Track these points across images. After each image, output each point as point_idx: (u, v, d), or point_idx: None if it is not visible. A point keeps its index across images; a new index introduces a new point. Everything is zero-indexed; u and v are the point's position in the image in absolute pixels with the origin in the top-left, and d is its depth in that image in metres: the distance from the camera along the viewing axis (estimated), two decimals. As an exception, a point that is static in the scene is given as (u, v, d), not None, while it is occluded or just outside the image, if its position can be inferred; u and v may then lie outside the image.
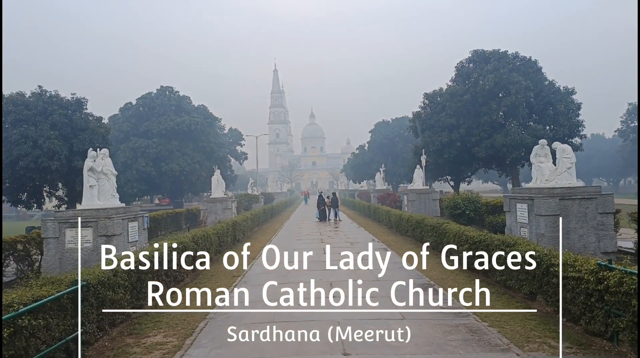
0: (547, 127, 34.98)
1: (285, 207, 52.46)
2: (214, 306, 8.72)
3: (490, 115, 34.09)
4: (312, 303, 8.66)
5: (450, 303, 8.73)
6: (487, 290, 8.50)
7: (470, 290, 9.15)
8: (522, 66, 35.40)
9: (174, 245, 10.82)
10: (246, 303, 8.88)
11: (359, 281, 10.48)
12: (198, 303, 8.88)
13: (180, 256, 11.11)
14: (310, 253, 15.53)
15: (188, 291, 10.14)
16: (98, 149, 13.67)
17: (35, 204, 30.33)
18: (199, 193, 59.66)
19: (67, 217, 12.33)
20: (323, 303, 8.65)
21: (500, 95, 34.91)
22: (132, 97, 53.56)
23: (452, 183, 44.00)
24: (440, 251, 14.47)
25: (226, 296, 9.52)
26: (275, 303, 8.59)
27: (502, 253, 9.42)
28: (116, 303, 7.36)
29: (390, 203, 35.81)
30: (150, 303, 8.82)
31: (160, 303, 8.99)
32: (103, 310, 6.94)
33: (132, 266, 8.24)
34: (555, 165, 14.04)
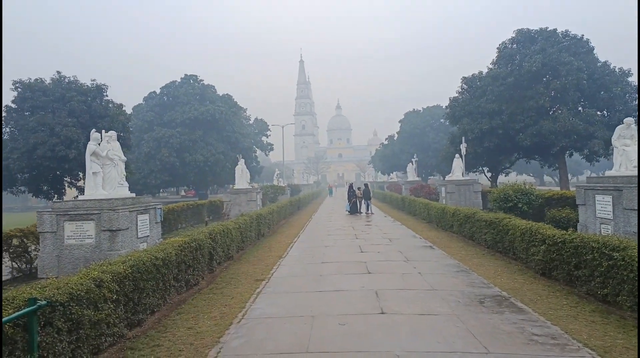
0: (599, 113, 31.76)
1: (312, 199, 50.58)
2: (230, 324, 6.78)
3: (537, 99, 31.16)
4: (356, 327, 6.60)
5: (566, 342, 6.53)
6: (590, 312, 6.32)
7: (568, 311, 7.04)
8: (572, 46, 32.25)
9: (187, 242, 9.00)
10: (270, 321, 6.91)
11: (412, 292, 8.40)
12: (210, 322, 6.96)
13: (194, 256, 9.40)
14: (344, 251, 13.63)
15: (200, 301, 8.26)
16: (103, 131, 11.90)
17: (56, 195, 29.28)
18: (223, 184, 58.40)
19: (66, 209, 10.65)
20: (370, 327, 6.58)
21: (547, 77, 31.95)
22: (156, 86, 52.45)
23: (489, 174, 41.18)
24: (500, 252, 12.31)
25: (247, 310, 7.57)
26: (308, 324, 6.60)
27: (606, 259, 7.24)
28: (99, 324, 5.50)
29: (425, 195, 33.46)
30: (150, 318, 7.00)
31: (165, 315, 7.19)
32: (79, 335, 5.09)
33: (128, 270, 6.38)
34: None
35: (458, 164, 28.95)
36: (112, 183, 11.46)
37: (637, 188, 10.29)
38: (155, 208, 12.36)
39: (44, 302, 4.38)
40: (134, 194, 12.28)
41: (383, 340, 5.88)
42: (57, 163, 25.87)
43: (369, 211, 28.58)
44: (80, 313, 5.05)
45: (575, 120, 29.95)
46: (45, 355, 4.49)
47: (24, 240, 11.13)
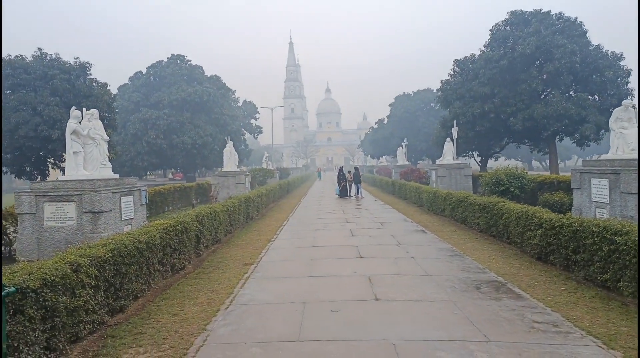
0: (591, 97, 31.61)
1: (301, 182, 50.25)
2: (217, 311, 6.46)
3: (530, 83, 30.95)
4: (349, 314, 6.33)
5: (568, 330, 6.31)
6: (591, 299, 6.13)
7: (568, 297, 6.82)
8: (565, 29, 31.91)
9: (172, 225, 8.62)
10: (260, 308, 6.61)
11: (406, 278, 8.15)
12: (196, 308, 6.62)
13: (180, 239, 9.03)
14: (335, 235, 13.35)
15: (186, 286, 7.92)
16: (84, 109, 11.35)
17: (39, 176, 28.55)
18: (212, 167, 57.68)
19: (46, 189, 10.17)
20: (365, 314, 6.31)
21: (540, 61, 31.69)
22: (142, 67, 51.23)
23: (478, 159, 41.11)
24: (494, 236, 12.11)
25: (235, 295, 7.25)
26: (299, 311, 6.32)
27: (607, 243, 7.02)
28: (77, 311, 5.14)
29: (415, 179, 33.28)
30: (133, 304, 6.66)
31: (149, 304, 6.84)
32: (55, 323, 4.73)
33: (108, 254, 6.00)
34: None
35: (449, 148, 28.75)
36: (94, 163, 10.97)
37: (635, 171, 10.10)
38: (140, 189, 11.91)
39: (12, 288, 3.99)
40: (117, 176, 11.80)
41: (378, 328, 5.61)
42: (40, 143, 25.11)
43: (359, 195, 28.37)
44: (55, 300, 4.67)
45: (568, 104, 29.81)
46: (17, 344, 4.13)
47: (2, 221, 10.63)
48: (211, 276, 8.66)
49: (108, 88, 29.23)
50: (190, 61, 50.56)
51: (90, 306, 5.44)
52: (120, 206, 10.77)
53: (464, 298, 6.79)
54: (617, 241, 6.79)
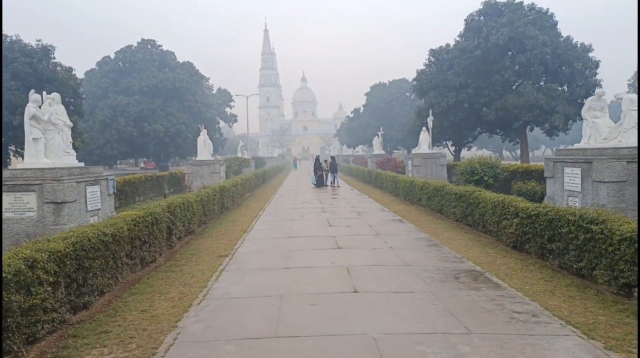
0: (560, 88, 32.18)
1: (277, 172, 49.80)
2: (189, 306, 6.16)
3: (502, 73, 31.30)
4: (328, 307, 6.13)
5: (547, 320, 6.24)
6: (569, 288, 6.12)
7: (544, 286, 6.78)
8: (537, 20, 32.26)
9: (142, 216, 8.22)
10: (234, 302, 6.33)
11: (385, 269, 8.01)
12: (167, 304, 6.29)
13: (151, 231, 8.64)
14: (312, 225, 13.14)
15: (157, 280, 7.56)
16: (45, 93, 10.72)
17: None
18: (186, 156, 56.61)
19: (4, 178, 9.57)
20: (344, 307, 6.13)
21: (512, 52, 32.01)
22: (111, 51, 49.45)
23: (452, 148, 41.53)
24: (470, 225, 12.12)
25: (208, 289, 6.95)
26: (276, 305, 6.09)
27: (583, 232, 7.02)
28: (34, 310, 4.76)
29: (392, 168, 33.34)
30: (98, 301, 6.29)
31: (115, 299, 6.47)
32: (7, 324, 4.35)
33: (69, 248, 5.61)
34: (613, 121, 11.56)
35: (425, 137, 28.83)
36: (56, 151, 10.38)
37: (607, 160, 10.20)
38: (107, 178, 11.38)
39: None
40: (82, 164, 11.24)
41: (358, 322, 5.43)
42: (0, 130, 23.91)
43: (336, 184, 28.22)
44: (6, 298, 4.29)
45: (539, 95, 30.27)
46: (-39, 351, 3.76)
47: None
48: (184, 269, 8.32)
49: (73, 72, 28.04)
50: (161, 46, 49.17)
51: (48, 305, 5.06)
52: (86, 196, 10.26)
53: (443, 289, 6.68)
54: (593, 230, 6.79)
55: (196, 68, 52.63)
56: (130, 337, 5.12)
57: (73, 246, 5.70)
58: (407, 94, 63.23)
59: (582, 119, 34.15)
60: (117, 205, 17.96)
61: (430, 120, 29.93)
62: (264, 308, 6.02)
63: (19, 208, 9.42)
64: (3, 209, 9.38)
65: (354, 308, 5.94)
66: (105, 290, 6.71)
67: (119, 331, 5.31)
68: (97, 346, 4.90)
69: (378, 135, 46.59)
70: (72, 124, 11.30)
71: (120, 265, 7.18)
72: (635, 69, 58.18)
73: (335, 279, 7.35)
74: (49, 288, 5.10)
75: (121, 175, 21.18)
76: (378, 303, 6.11)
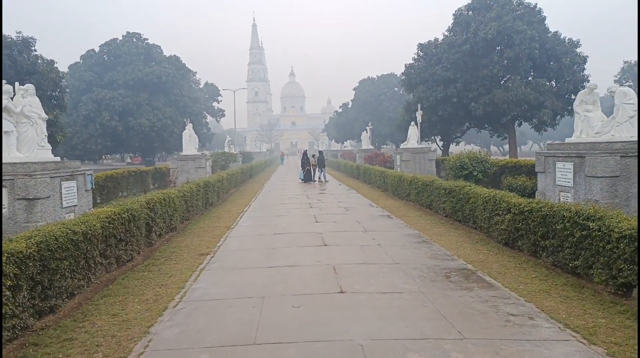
0: (548, 83, 32.12)
1: (264, 167, 49.32)
2: (164, 309, 5.76)
3: (491, 68, 31.11)
4: (312, 309, 5.79)
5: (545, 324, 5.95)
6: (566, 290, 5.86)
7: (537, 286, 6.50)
8: (525, 14, 32.08)
9: (118, 213, 7.79)
10: (213, 304, 5.95)
11: (373, 267, 7.68)
12: (140, 307, 5.89)
13: (127, 228, 8.21)
14: (299, 221, 12.78)
15: (132, 280, 7.14)
16: (17, 84, 10.17)
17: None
18: (172, 151, 55.74)
19: (-30, 174, 9.03)
20: (329, 309, 5.78)
21: (501, 47, 31.83)
22: (96, 45, 48.35)
23: (440, 143, 41.39)
24: (460, 221, 11.86)
25: (186, 290, 6.56)
26: (257, 307, 5.73)
27: (579, 229, 6.75)
28: (-10, 317, 4.34)
29: (380, 163, 33.10)
30: (66, 304, 5.87)
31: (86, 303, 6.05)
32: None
33: (32, 249, 5.18)
34: (605, 115, 11.36)
35: (414, 132, 28.62)
36: (29, 145, 9.86)
37: (600, 155, 9.98)
38: (84, 173, 10.88)
39: None
40: (58, 158, 10.72)
41: (344, 326, 5.09)
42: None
43: (324, 179, 27.87)
44: (-46, 307, 3.87)
45: (527, 89, 30.14)
46: None
47: None
48: (162, 268, 7.90)
49: (55, 65, 27.20)
50: (147, 39, 48.17)
51: (8, 310, 4.63)
52: (61, 192, 9.76)
53: (434, 289, 6.37)
54: (590, 227, 6.53)
55: (183, 62, 51.71)
56: (97, 345, 4.72)
57: (37, 246, 5.26)
58: (396, 89, 62.97)
59: (570, 115, 34.09)
60: (98, 201, 17.44)
61: (419, 114, 29.74)
62: (244, 310, 5.65)
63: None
64: (-30, 206, 8.86)
65: (340, 310, 5.60)
66: (75, 292, 6.29)
67: (85, 338, 4.90)
68: (60, 356, 4.49)
69: (366, 130, 46.35)
70: (47, 116, 10.76)
71: (92, 265, 6.75)
72: (622, 65, 58.85)
73: (321, 278, 7.00)
74: (8, 293, 4.67)
75: (106, 170, 20.59)
76: (366, 304, 5.78)
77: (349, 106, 72.21)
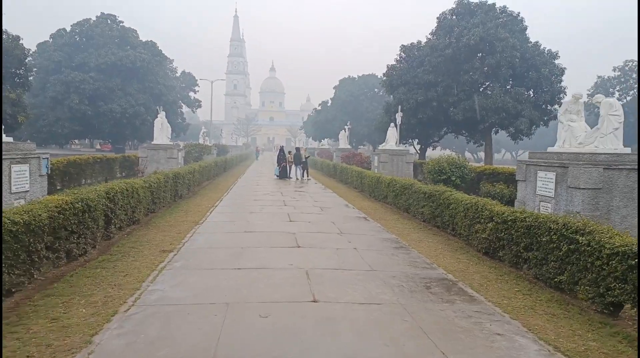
0: (526, 93, 32.35)
1: (240, 161, 48.34)
2: (114, 314, 5.09)
3: (472, 74, 31.20)
4: (281, 320, 5.22)
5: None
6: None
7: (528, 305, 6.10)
8: (508, 23, 32.29)
9: (70, 202, 7.03)
10: (170, 310, 5.31)
11: (349, 274, 7.16)
12: (86, 310, 5.20)
13: (81, 219, 7.46)
14: (271, 220, 12.19)
15: (81, 278, 6.41)
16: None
17: None
18: (145, 140, 54.09)
19: None
20: (300, 321, 5.23)
21: (482, 54, 31.88)
22: (66, 24, 46.37)
23: (417, 147, 41.35)
24: (439, 227, 11.49)
25: (142, 292, 5.89)
26: (220, 315, 5.13)
27: (567, 242, 6.40)
28: None
29: (357, 163, 32.71)
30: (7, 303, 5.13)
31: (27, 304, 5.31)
32: None
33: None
34: (589, 126, 11.17)
35: (392, 133, 28.31)
36: (-23, 123, 8.95)
37: (584, 166, 9.75)
38: (39, 157, 10.01)
39: None
40: (10, 139, 9.82)
41: (316, 342, 4.55)
42: None
43: (303, 178, 27.02)
44: None
45: (506, 98, 30.29)
46: None
47: None
48: (117, 265, 7.19)
49: (21, 42, 25.71)
50: (122, 22, 46.55)
51: None
52: (10, 176, 8.90)
53: (414, 301, 5.90)
54: (579, 241, 6.18)
55: (159, 48, 50.18)
56: (27, 356, 4.04)
57: (-36, 238, 4.53)
58: (376, 89, 62.90)
59: (545, 125, 34.27)
60: (59, 188, 16.39)
61: (398, 116, 29.48)
62: (205, 319, 5.05)
63: None
64: None
65: (312, 322, 5.06)
66: (13, 290, 5.56)
67: (16, 347, 4.21)
68: (-19, 369, 3.80)
69: (345, 129, 45.92)
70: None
71: (36, 260, 6.01)
72: (595, 80, 60.25)
73: (293, 284, 6.44)
74: None
75: (72, 156, 19.45)
76: (340, 317, 5.25)
77: (328, 104, 71.82)
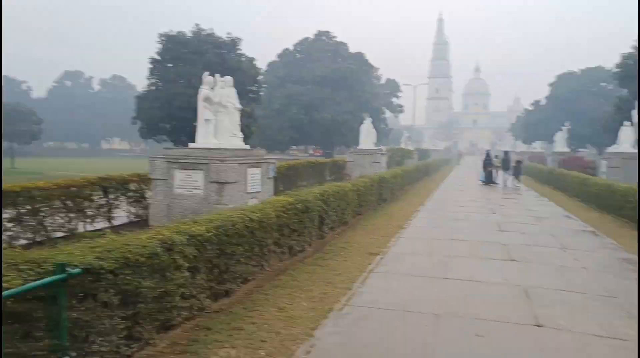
0: None
1: (441, 166, 47.32)
2: (329, 311, 5.37)
3: None
4: (501, 343, 4.73)
5: None
6: None
7: None
8: None
9: (292, 203, 7.80)
10: (380, 315, 5.34)
11: (579, 297, 6.12)
12: (306, 304, 5.62)
13: (300, 219, 8.21)
14: (479, 228, 11.42)
15: (301, 273, 7.01)
16: (217, 75, 11.16)
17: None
18: (351, 145, 57.64)
19: (177, 156, 10.21)
20: (523, 346, 4.64)
21: None
22: (289, 43, 52.79)
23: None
24: None
25: (353, 293, 6.10)
26: (430, 327, 4.91)
27: None
28: (170, 295, 4.49)
29: (579, 169, 28.48)
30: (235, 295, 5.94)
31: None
32: (137, 310, 4.10)
33: (211, 232, 5.31)
34: None
35: (626, 133, 23.69)
36: (224, 132, 10.74)
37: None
38: (268, 162, 11.46)
39: (76, 270, 3.36)
40: (247, 146, 11.50)
41: (543, 375, 3.96)
42: (193, 114, 26.94)
43: (511, 185, 24.65)
44: (137, 283, 4.02)
45: None
46: (85, 335, 3.53)
47: (142, 185, 11.04)
48: (330, 264, 7.67)
49: (254, 62, 30.25)
50: (335, 37, 50.62)
51: (186, 291, 4.78)
52: (246, 178, 10.39)
53: (675, 345, 4.67)
54: None
55: (366, 58, 52.85)
56: (262, 341, 4.54)
57: (216, 231, 5.38)
58: (603, 84, 54.00)
59: None
60: (281, 188, 18.64)
61: (635, 113, 24.53)
62: (415, 329, 4.92)
63: (189, 185, 9.94)
64: (175, 186, 10.01)
65: (537, 350, 4.44)
66: (249, 278, 6.39)
67: (252, 330, 4.79)
68: (226, 345, 4.42)
69: (562, 130, 40.58)
70: (241, 107, 11.61)
71: (266, 253, 6.82)
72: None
73: (509, 302, 5.83)
74: (187, 274, 4.81)
75: (290, 160, 21.96)
76: (573, 348, 4.49)
77: (542, 103, 64.68)
